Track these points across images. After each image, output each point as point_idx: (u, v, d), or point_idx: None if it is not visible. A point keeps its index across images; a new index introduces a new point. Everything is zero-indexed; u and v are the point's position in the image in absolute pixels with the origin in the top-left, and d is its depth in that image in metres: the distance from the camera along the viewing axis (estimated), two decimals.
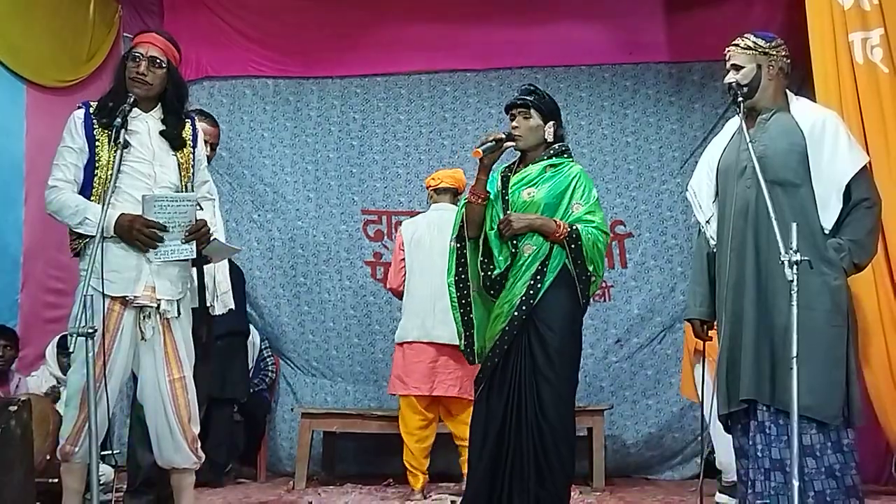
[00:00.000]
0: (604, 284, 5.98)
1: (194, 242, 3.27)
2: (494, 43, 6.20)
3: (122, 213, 3.15)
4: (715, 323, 3.33)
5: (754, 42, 3.21)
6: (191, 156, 3.38)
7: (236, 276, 4.89)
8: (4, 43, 4.93)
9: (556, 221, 3.35)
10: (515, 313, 3.31)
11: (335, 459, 5.86)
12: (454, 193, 4.94)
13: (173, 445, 3.27)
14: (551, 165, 3.48)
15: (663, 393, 5.86)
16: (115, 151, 3.13)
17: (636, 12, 6.12)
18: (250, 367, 5.90)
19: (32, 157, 5.01)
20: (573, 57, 6.22)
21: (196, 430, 3.34)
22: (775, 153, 3.11)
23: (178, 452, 3.28)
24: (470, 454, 3.44)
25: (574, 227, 3.34)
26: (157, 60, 3.27)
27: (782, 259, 2.69)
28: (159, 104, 3.35)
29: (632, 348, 5.96)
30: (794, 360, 2.64)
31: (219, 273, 4.21)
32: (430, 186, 5.05)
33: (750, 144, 3.04)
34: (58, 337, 4.80)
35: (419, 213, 6.10)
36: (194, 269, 3.46)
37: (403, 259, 4.93)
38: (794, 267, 2.66)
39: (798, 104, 3.24)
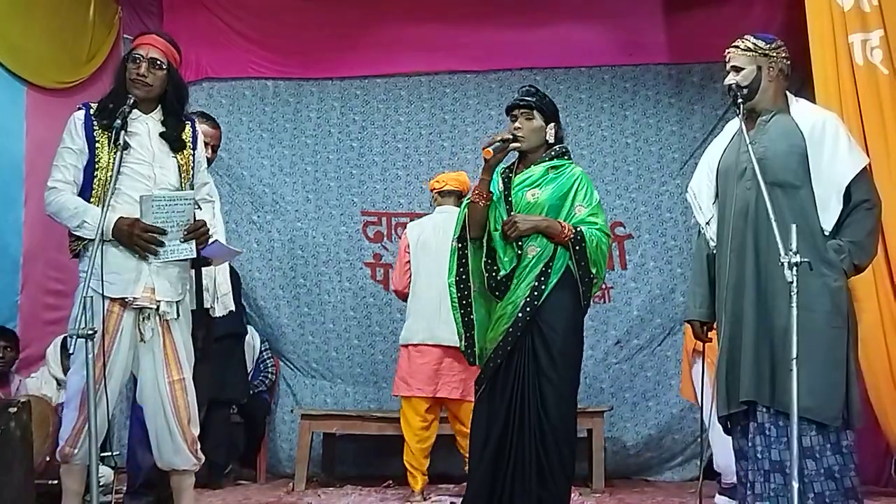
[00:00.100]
0: (603, 286, 5.98)
1: (193, 242, 3.27)
2: (494, 44, 6.20)
3: (121, 217, 3.14)
4: (715, 324, 3.33)
5: (754, 43, 3.21)
6: (191, 157, 3.38)
7: (233, 277, 4.89)
8: (4, 44, 4.93)
9: (561, 223, 3.36)
10: (520, 314, 3.31)
11: (335, 461, 5.86)
12: (458, 196, 4.93)
13: (173, 447, 3.27)
14: (553, 167, 3.49)
15: (663, 394, 5.85)
16: (115, 153, 3.13)
17: (636, 14, 6.13)
18: (250, 368, 5.90)
19: (32, 158, 5.00)
20: (573, 58, 6.22)
21: (196, 431, 3.34)
22: (775, 155, 3.11)
23: (177, 454, 3.28)
24: (471, 455, 3.43)
25: (578, 229, 3.36)
26: (158, 62, 3.28)
27: (782, 260, 2.69)
28: (159, 106, 3.35)
29: (631, 350, 5.96)
30: (794, 361, 2.64)
31: (219, 275, 4.21)
32: (434, 189, 5.04)
33: (750, 146, 3.04)
34: (60, 338, 4.80)
35: (419, 214, 6.12)
36: (193, 271, 3.46)
37: (409, 261, 4.93)
38: (794, 268, 2.66)
39: (798, 106, 3.24)
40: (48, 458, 3.96)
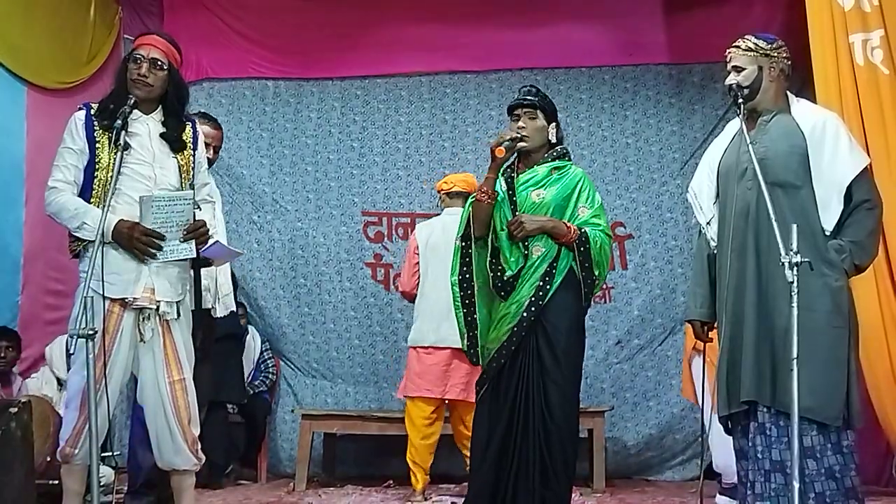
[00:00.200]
0: (604, 286, 5.96)
1: (193, 242, 3.27)
2: (494, 44, 6.20)
3: (121, 220, 3.14)
4: (715, 324, 3.33)
5: (755, 44, 3.21)
6: (191, 158, 3.38)
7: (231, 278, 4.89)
8: (5, 44, 4.93)
9: (566, 224, 3.36)
10: (524, 314, 3.31)
11: (335, 461, 5.86)
12: (466, 197, 4.92)
13: (173, 447, 3.27)
14: (556, 168, 3.49)
15: (664, 394, 5.86)
16: (116, 153, 3.13)
17: (636, 14, 6.13)
18: (251, 368, 5.91)
19: (33, 159, 5.01)
20: (573, 58, 6.22)
21: (196, 431, 3.33)
22: (776, 155, 3.11)
23: (178, 454, 3.28)
24: (473, 455, 3.42)
25: (583, 231, 3.37)
26: (159, 62, 3.28)
27: (783, 260, 2.69)
28: (160, 106, 3.35)
29: (632, 350, 5.96)
30: (795, 361, 2.64)
31: (220, 275, 4.21)
32: (442, 190, 5.03)
33: (750, 146, 3.04)
34: (64, 337, 4.79)
35: (419, 214, 6.13)
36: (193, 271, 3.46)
37: (417, 263, 4.94)
38: (795, 268, 2.66)
39: (799, 106, 3.23)
40: (49, 459, 3.96)
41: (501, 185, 3.49)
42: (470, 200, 3.47)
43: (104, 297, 3.07)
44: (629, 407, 5.88)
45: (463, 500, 3.55)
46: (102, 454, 2.88)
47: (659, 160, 6.11)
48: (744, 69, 3.19)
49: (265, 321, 6.17)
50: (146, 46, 3.29)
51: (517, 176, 3.49)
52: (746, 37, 3.25)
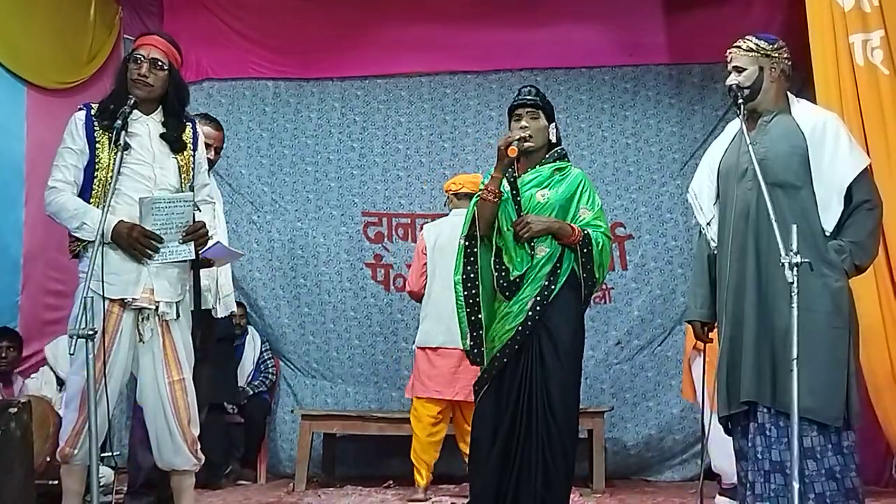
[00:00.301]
0: (604, 286, 5.98)
1: (192, 243, 3.27)
2: (494, 44, 6.20)
3: (121, 221, 3.15)
4: (715, 325, 3.33)
5: (756, 44, 3.21)
6: (191, 158, 3.38)
7: None
8: (5, 44, 4.93)
9: (571, 226, 3.37)
10: (529, 313, 3.31)
11: (335, 461, 5.86)
12: None
13: (173, 447, 3.27)
14: (558, 169, 3.49)
15: (663, 395, 5.86)
16: (116, 153, 3.13)
17: (636, 14, 6.13)
18: (250, 369, 5.91)
19: (33, 159, 5.00)
20: (573, 59, 6.22)
21: (196, 432, 3.33)
22: (776, 155, 3.11)
23: (177, 454, 3.28)
24: (475, 455, 3.40)
25: (586, 232, 3.38)
26: (159, 62, 3.28)
27: (783, 261, 2.69)
28: (160, 107, 3.35)
29: (632, 350, 5.96)
30: (795, 362, 2.65)
31: (221, 276, 4.21)
32: (450, 191, 5.03)
33: (750, 147, 3.04)
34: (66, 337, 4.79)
35: (419, 215, 6.14)
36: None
37: (425, 263, 4.94)
38: (795, 269, 2.66)
39: (799, 106, 3.23)
40: (48, 459, 3.96)
41: (504, 185, 3.49)
42: (475, 199, 3.45)
43: (104, 298, 3.07)
44: (629, 407, 5.88)
45: (466, 501, 3.54)
46: (102, 454, 2.88)
47: (659, 161, 6.11)
48: (745, 69, 3.19)
49: (265, 321, 6.17)
50: (147, 46, 3.30)
51: (519, 176, 3.49)
52: (747, 37, 3.25)
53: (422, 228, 6.06)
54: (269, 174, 6.30)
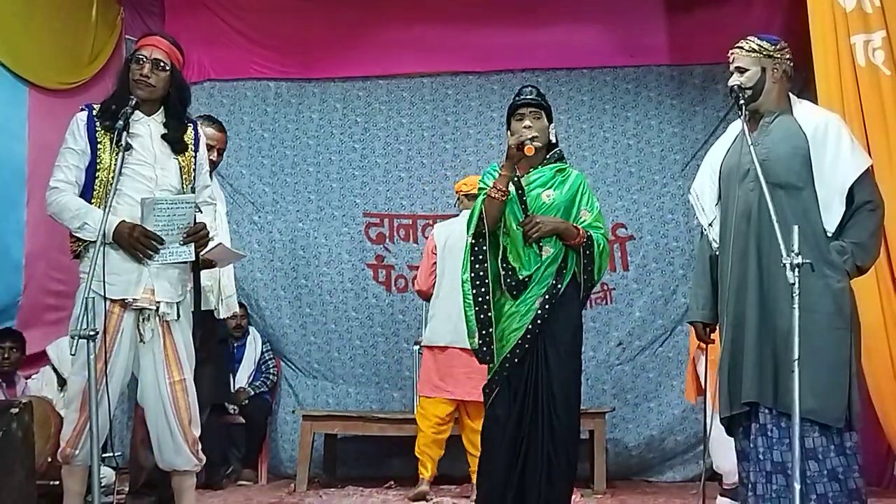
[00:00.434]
0: (605, 287, 6.00)
1: (193, 245, 3.27)
2: (496, 45, 6.21)
3: (122, 221, 3.15)
4: (717, 325, 3.33)
5: (759, 45, 3.21)
6: (192, 160, 3.38)
7: None
8: (7, 45, 4.93)
9: (576, 227, 3.39)
10: (538, 312, 3.32)
11: (336, 462, 5.86)
12: None
13: (174, 448, 3.27)
14: (560, 170, 3.51)
15: (665, 395, 5.86)
16: (117, 154, 3.13)
17: (637, 15, 6.13)
18: (251, 370, 5.92)
19: (34, 160, 5.00)
20: (574, 60, 6.23)
21: (197, 432, 3.33)
22: (778, 156, 3.10)
23: (178, 455, 3.28)
24: (488, 455, 3.38)
25: (588, 234, 3.40)
26: (161, 63, 3.28)
27: (784, 262, 2.69)
28: (162, 108, 3.35)
29: (633, 351, 5.96)
30: (796, 362, 2.64)
31: (224, 277, 4.21)
32: (461, 192, 5.04)
33: (752, 147, 3.04)
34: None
35: (421, 216, 6.15)
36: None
37: (435, 262, 4.95)
38: (796, 270, 2.66)
39: (801, 107, 3.23)
40: (50, 459, 3.96)
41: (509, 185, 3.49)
42: (481, 197, 3.44)
43: (105, 298, 3.07)
44: (630, 408, 5.88)
45: (467, 501, 3.54)
46: (103, 455, 2.88)
47: (660, 161, 6.11)
48: (747, 70, 3.19)
49: (266, 322, 6.17)
50: (149, 47, 3.30)
51: (522, 176, 3.49)
52: (750, 38, 3.25)
53: (423, 229, 6.10)
54: (271, 174, 6.30)
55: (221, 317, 4.19)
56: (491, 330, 3.37)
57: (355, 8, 6.21)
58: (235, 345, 5.94)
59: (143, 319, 3.22)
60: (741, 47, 3.23)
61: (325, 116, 6.35)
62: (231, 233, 5.34)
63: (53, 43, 5.32)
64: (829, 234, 3.06)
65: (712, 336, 3.38)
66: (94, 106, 3.31)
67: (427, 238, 5.89)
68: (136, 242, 3.15)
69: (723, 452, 3.97)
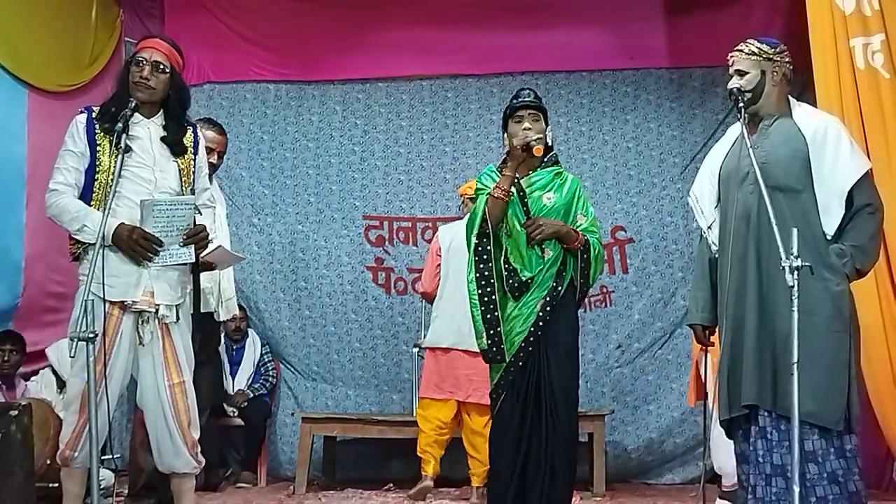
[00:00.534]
0: (605, 290, 6.00)
1: (192, 246, 3.27)
2: (495, 48, 6.21)
3: (122, 224, 3.15)
4: (716, 328, 3.33)
5: (759, 48, 3.21)
6: (191, 162, 3.38)
7: None
8: (6, 47, 4.92)
9: (575, 230, 3.41)
10: (540, 314, 3.34)
11: (336, 464, 5.85)
12: None
13: (173, 450, 3.27)
14: (558, 173, 3.52)
15: (664, 398, 5.86)
16: (116, 156, 3.14)
17: (637, 18, 6.13)
18: (250, 372, 5.91)
19: (34, 162, 5.00)
20: (574, 62, 6.23)
21: (196, 434, 3.33)
22: (777, 159, 3.11)
23: (177, 457, 3.28)
24: (499, 458, 3.38)
25: (585, 238, 3.42)
26: (161, 65, 3.28)
27: (783, 265, 2.69)
28: (161, 110, 3.35)
29: (633, 354, 5.96)
30: (795, 365, 2.65)
31: (224, 279, 4.21)
32: (465, 195, 5.04)
33: (751, 150, 3.04)
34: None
35: (420, 218, 6.15)
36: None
37: (440, 264, 4.96)
38: (795, 272, 2.67)
39: (800, 110, 3.23)
40: (49, 462, 3.95)
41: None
42: (483, 198, 3.43)
43: (104, 300, 3.07)
44: (629, 411, 5.88)
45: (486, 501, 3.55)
46: (102, 457, 2.89)
47: (659, 164, 6.11)
48: (747, 73, 3.19)
49: (265, 324, 6.17)
50: (149, 49, 3.30)
51: (521, 179, 3.49)
52: (750, 41, 3.25)
53: (423, 232, 6.10)
54: (270, 177, 6.30)
55: (221, 319, 4.19)
56: (499, 329, 3.36)
57: (355, 10, 6.21)
58: (235, 347, 5.94)
59: (143, 322, 3.23)
60: (741, 50, 3.23)
61: (325, 119, 6.35)
62: (230, 235, 5.36)
63: (53, 45, 5.32)
64: (829, 238, 3.06)
65: (712, 339, 3.38)
66: (94, 108, 3.32)
67: (427, 240, 5.90)
68: (136, 245, 3.15)
69: (725, 451, 3.97)
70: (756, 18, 5.82)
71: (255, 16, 6.33)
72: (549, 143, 3.54)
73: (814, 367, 2.87)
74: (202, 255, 3.40)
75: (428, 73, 6.31)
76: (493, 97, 6.22)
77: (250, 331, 6.03)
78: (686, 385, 5.68)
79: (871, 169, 3.17)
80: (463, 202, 5.10)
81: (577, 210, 3.48)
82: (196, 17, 6.29)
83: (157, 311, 3.23)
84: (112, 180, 3.12)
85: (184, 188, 3.34)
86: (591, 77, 6.23)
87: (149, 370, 3.24)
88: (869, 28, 4.27)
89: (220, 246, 3.48)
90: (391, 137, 6.30)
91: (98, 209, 3.16)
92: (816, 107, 3.83)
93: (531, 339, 3.33)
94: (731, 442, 3.29)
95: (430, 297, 5.09)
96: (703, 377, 4.52)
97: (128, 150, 3.16)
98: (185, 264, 3.31)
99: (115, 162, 3.13)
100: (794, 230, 2.73)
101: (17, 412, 3.29)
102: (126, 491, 4.00)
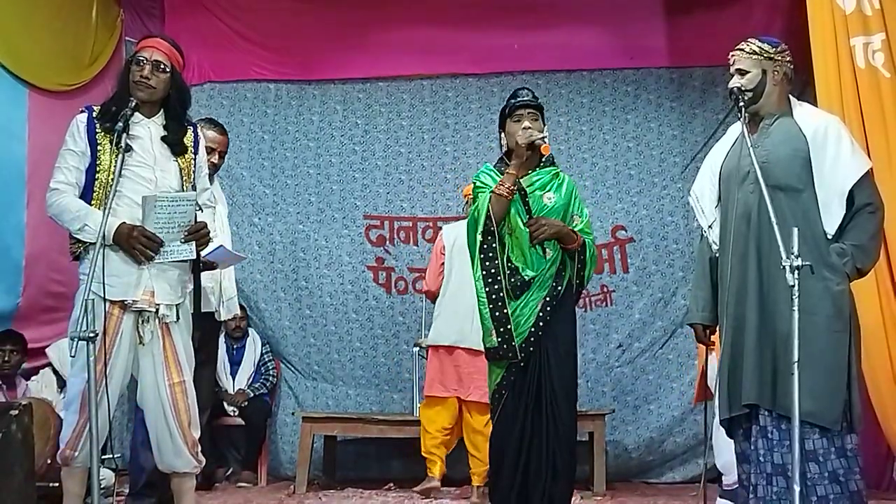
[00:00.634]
0: (605, 289, 6.01)
1: (194, 243, 3.28)
2: (496, 47, 6.21)
3: (122, 223, 3.15)
4: (717, 327, 3.33)
5: (759, 47, 3.21)
6: (192, 162, 3.38)
7: None
8: (7, 46, 4.93)
9: (574, 231, 3.42)
10: (541, 313, 3.34)
11: (336, 464, 5.85)
12: None
13: (173, 449, 3.27)
14: (555, 173, 3.52)
15: (664, 397, 5.86)
16: (117, 156, 3.14)
17: (637, 17, 6.14)
18: (251, 371, 5.91)
19: (35, 161, 5.00)
20: (574, 62, 6.23)
21: (196, 434, 3.33)
22: (778, 159, 3.11)
23: (178, 456, 3.28)
24: (502, 459, 3.38)
25: (583, 239, 3.44)
26: (162, 65, 3.28)
27: (784, 264, 2.69)
28: (162, 110, 3.35)
29: (633, 353, 5.96)
30: (795, 365, 2.65)
31: (225, 279, 4.21)
32: (469, 195, 5.03)
33: (752, 150, 3.04)
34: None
35: (421, 218, 6.16)
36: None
37: (444, 263, 4.96)
38: (796, 272, 2.67)
39: (801, 109, 3.23)
40: (49, 461, 3.96)
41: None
42: (485, 196, 3.42)
43: (104, 300, 3.07)
44: (630, 410, 5.88)
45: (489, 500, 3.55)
46: (103, 456, 2.89)
47: (660, 164, 6.11)
48: (748, 72, 3.19)
49: (266, 323, 6.17)
50: (149, 49, 3.30)
51: (521, 178, 3.49)
52: (750, 40, 3.25)
53: (423, 231, 6.11)
54: (271, 176, 6.30)
55: (222, 318, 4.18)
56: (510, 327, 3.33)
57: (355, 10, 6.21)
58: (235, 347, 5.95)
59: (143, 321, 3.22)
60: (742, 49, 3.23)
61: (326, 118, 6.35)
62: (231, 234, 5.36)
63: (53, 44, 5.32)
64: (829, 237, 3.06)
65: (712, 338, 3.38)
66: (94, 108, 3.32)
67: (427, 240, 5.91)
68: (136, 243, 3.15)
69: (726, 448, 3.96)
70: (756, 18, 5.82)
71: (255, 16, 6.33)
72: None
73: (814, 367, 2.88)
74: (203, 254, 3.40)
75: (428, 73, 6.32)
76: (493, 97, 6.22)
77: (251, 330, 6.04)
78: (686, 384, 5.70)
79: (871, 168, 3.17)
80: (466, 202, 5.09)
81: (573, 211, 3.50)
82: (196, 16, 6.29)
83: (157, 310, 3.23)
84: (112, 180, 3.12)
85: (184, 188, 3.34)
86: (592, 77, 6.23)
87: (149, 370, 3.24)
88: (869, 27, 4.27)
89: (220, 245, 3.47)
90: (392, 137, 6.31)
91: (98, 208, 3.17)
92: (817, 106, 3.83)
93: (532, 338, 3.33)
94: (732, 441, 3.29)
95: (433, 296, 5.09)
96: (711, 377, 4.53)
97: (128, 149, 3.16)
98: (185, 261, 3.31)
99: (116, 161, 3.13)
100: (795, 229, 2.73)
101: (17, 412, 3.28)
102: (126, 490, 4.00)
